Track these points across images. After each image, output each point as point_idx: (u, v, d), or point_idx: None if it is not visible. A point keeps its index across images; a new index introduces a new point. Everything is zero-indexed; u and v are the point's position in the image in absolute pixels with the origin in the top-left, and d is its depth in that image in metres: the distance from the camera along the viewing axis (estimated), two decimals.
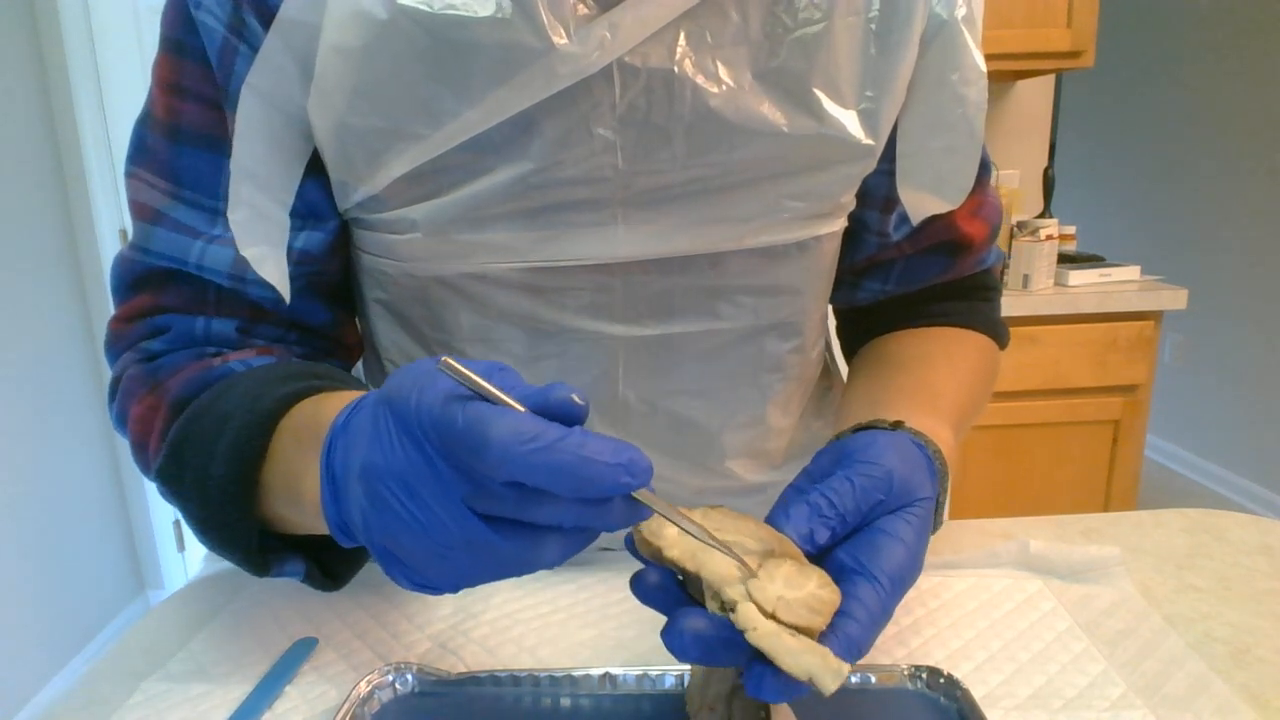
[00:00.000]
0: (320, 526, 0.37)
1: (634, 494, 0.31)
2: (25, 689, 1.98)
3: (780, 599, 0.34)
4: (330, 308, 0.57)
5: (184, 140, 0.50)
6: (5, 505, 1.93)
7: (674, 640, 0.35)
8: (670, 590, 0.38)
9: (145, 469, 0.51)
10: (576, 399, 0.31)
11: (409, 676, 0.46)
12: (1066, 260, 2.15)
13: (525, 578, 0.59)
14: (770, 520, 0.40)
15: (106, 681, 0.49)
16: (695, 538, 0.35)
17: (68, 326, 2.15)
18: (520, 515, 0.31)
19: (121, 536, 2.38)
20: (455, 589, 0.34)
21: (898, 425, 0.47)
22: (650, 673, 0.45)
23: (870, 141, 0.53)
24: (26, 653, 1.99)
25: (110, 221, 2.21)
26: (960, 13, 0.54)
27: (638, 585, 0.38)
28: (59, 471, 2.11)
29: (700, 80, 0.48)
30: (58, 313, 2.13)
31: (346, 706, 0.43)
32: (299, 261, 0.52)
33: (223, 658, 0.51)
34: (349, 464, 0.34)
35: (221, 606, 0.57)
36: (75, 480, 2.17)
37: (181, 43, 0.49)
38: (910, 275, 0.64)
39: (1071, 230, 2.28)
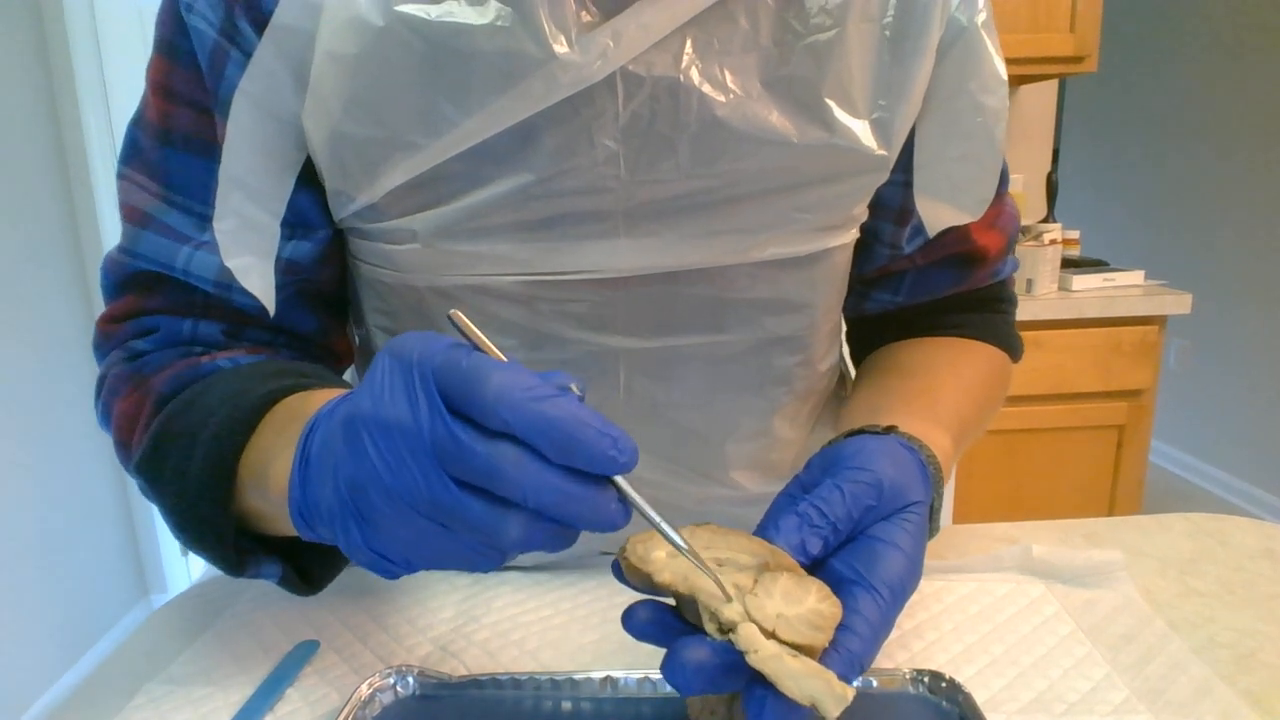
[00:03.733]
0: (282, 515, 0.37)
1: (616, 480, 0.31)
2: (29, 693, 1.98)
3: (780, 616, 0.33)
4: (319, 316, 0.56)
5: (175, 144, 0.50)
6: (9, 509, 1.93)
7: (675, 674, 0.34)
8: (665, 622, 0.37)
9: (126, 464, 0.50)
10: (575, 388, 0.31)
11: (410, 679, 0.46)
12: (1070, 265, 2.14)
13: (526, 580, 0.59)
14: (760, 533, 0.39)
15: (109, 684, 0.50)
16: (673, 543, 0.33)
17: (71, 329, 2.16)
18: (489, 483, 0.30)
19: (125, 541, 2.38)
20: (408, 565, 0.33)
21: (890, 430, 0.46)
22: (651, 676, 0.45)
23: (883, 152, 0.51)
24: (30, 656, 1.99)
25: (114, 223, 2.20)
26: (980, 18, 0.53)
27: (630, 623, 0.37)
28: (62, 475, 2.12)
29: (707, 89, 0.47)
30: (62, 315, 2.14)
31: (347, 709, 0.43)
32: (286, 271, 0.52)
33: (225, 660, 0.51)
34: (333, 427, 0.33)
35: (223, 609, 0.57)
36: (79, 484, 2.18)
37: (173, 45, 0.49)
38: (921, 287, 0.63)
39: (1075, 235, 2.28)
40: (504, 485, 0.30)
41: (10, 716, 1.91)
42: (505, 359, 0.31)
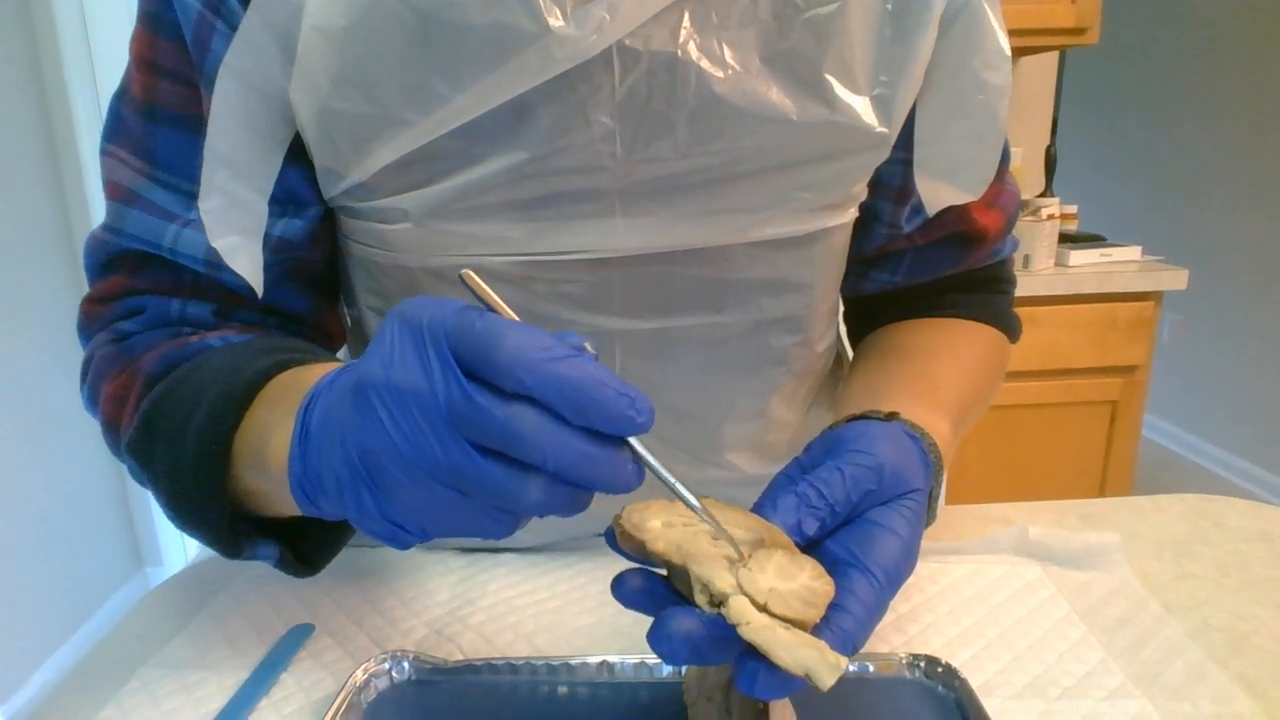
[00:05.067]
0: (282, 492, 0.36)
1: (630, 441, 0.30)
2: (24, 666, 1.99)
3: (772, 590, 0.33)
4: (311, 295, 0.55)
5: (160, 120, 0.48)
6: (3, 481, 1.93)
7: (661, 644, 0.33)
8: (655, 591, 0.36)
9: (115, 448, 0.49)
10: (589, 347, 0.31)
11: (406, 664, 0.46)
12: (1067, 240, 2.14)
13: (521, 562, 0.59)
14: (757, 510, 0.39)
15: (103, 668, 0.49)
16: (686, 503, 0.33)
17: (65, 304, 2.14)
18: (508, 447, 0.29)
19: (120, 513, 2.38)
20: (423, 533, 0.33)
21: (892, 416, 0.46)
22: (648, 661, 0.45)
23: (884, 129, 0.50)
24: (25, 630, 1.99)
25: (104, 207, 2.19)
26: None
27: (620, 589, 0.36)
28: (57, 447, 2.11)
29: (705, 64, 0.46)
30: (54, 290, 2.12)
31: (343, 695, 0.43)
32: (277, 249, 0.51)
33: (219, 643, 0.51)
34: (337, 395, 0.33)
35: (218, 591, 0.57)
36: (74, 457, 2.17)
37: (158, 17, 0.47)
38: (920, 267, 0.63)
39: (1073, 210, 2.27)
40: (523, 448, 0.29)
41: (7, 689, 1.92)
42: (514, 315, 0.31)
